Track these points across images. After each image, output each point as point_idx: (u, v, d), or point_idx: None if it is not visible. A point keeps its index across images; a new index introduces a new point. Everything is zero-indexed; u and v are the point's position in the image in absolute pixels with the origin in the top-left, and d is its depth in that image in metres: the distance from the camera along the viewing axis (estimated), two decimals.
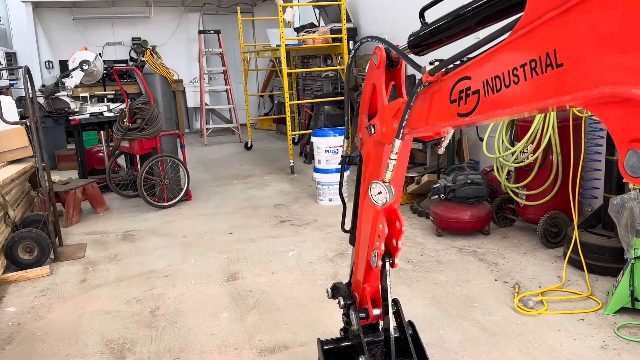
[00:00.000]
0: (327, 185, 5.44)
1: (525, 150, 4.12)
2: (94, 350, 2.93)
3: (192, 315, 3.31)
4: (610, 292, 3.22)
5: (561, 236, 4.08)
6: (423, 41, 1.51)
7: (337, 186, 5.43)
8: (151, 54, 5.81)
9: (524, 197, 4.27)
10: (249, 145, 9.17)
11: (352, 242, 2.26)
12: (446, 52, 1.50)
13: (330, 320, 3.13)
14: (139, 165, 6.31)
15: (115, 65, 9.82)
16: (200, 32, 10.61)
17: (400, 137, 1.53)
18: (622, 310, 3.04)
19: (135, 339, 3.04)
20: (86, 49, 6.48)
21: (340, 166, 5.47)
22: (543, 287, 3.44)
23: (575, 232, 3.63)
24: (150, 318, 3.30)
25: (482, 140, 4.86)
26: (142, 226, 5.23)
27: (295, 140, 8.49)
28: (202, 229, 5.03)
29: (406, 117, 1.49)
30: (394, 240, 1.93)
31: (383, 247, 1.92)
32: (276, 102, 10.88)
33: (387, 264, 1.97)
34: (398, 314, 2.10)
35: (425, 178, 5.18)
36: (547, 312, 3.12)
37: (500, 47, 1.09)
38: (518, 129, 4.24)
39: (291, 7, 8.30)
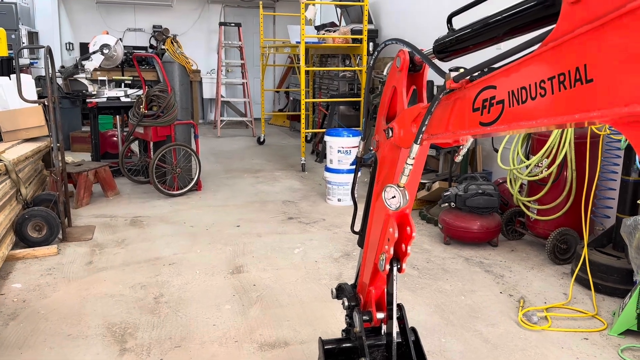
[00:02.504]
0: (338, 185, 5.44)
1: (539, 164, 4.09)
2: (96, 333, 2.95)
3: (194, 305, 3.32)
4: (616, 313, 3.19)
5: (570, 253, 4.05)
6: (449, 47, 1.50)
7: (348, 187, 5.46)
8: (172, 43, 5.83)
9: (535, 212, 4.23)
10: (262, 140, 9.18)
11: (361, 243, 2.25)
12: (467, 60, 1.49)
13: (332, 321, 3.12)
14: (151, 152, 6.34)
15: (135, 51, 9.88)
16: (221, 24, 10.64)
17: (418, 143, 1.52)
18: (627, 332, 3.01)
19: (137, 324, 3.05)
20: (107, 33, 6.52)
21: (352, 167, 5.48)
22: (548, 302, 3.41)
23: (585, 250, 3.59)
24: (153, 304, 3.31)
25: (497, 151, 4.84)
26: (151, 213, 5.26)
27: (308, 138, 8.49)
28: (210, 220, 5.05)
29: (426, 123, 1.48)
30: (403, 245, 1.92)
31: (392, 251, 1.92)
32: (292, 98, 10.88)
33: (395, 269, 1.97)
34: (402, 319, 2.10)
35: (436, 185, 5.15)
36: (551, 328, 3.09)
37: (529, 59, 1.08)
38: (534, 143, 4.21)
39: (313, 4, 8.30)
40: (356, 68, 7.41)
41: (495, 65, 1.23)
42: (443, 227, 4.48)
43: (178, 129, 5.95)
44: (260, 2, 9.03)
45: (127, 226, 4.84)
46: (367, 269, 2.18)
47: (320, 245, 4.38)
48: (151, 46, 11.30)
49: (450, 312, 3.28)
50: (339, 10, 9.05)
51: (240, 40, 10.44)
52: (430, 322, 3.14)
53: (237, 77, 11.28)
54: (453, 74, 1.34)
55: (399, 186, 1.64)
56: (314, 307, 3.31)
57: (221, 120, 10.40)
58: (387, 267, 1.94)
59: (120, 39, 7.17)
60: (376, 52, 1.86)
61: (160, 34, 5.98)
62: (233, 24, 10.45)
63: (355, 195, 2.28)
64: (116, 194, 5.85)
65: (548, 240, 4.02)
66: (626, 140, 3.40)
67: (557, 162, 3.93)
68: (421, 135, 1.50)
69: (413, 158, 1.56)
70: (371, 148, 2.06)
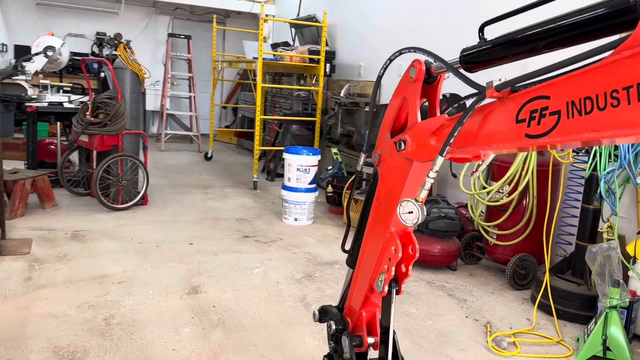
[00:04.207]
0: (295, 204, 5.30)
1: (501, 190, 4.14)
2: (41, 357, 2.64)
3: (150, 327, 3.05)
4: (580, 340, 3.22)
5: (528, 279, 4.10)
6: (481, 57, 1.43)
7: (306, 206, 5.32)
8: (125, 49, 5.54)
9: (495, 237, 4.28)
10: (209, 155, 8.90)
11: (351, 263, 2.13)
12: (488, 73, 1.44)
13: (301, 345, 2.96)
14: (95, 163, 5.96)
15: (76, 57, 9.37)
16: (170, 35, 10.35)
17: (444, 155, 1.43)
18: (593, 358, 3.03)
19: (87, 348, 2.76)
20: (53, 35, 6.13)
21: (311, 186, 5.36)
22: (514, 328, 3.41)
23: (547, 276, 3.64)
24: (104, 326, 3.02)
25: (455, 176, 4.88)
26: (94, 227, 4.89)
27: (259, 156, 8.30)
28: (160, 237, 4.76)
29: (455, 134, 1.40)
30: (403, 266, 1.83)
31: (393, 272, 1.82)
32: (240, 115, 10.68)
33: (394, 290, 1.87)
34: (394, 345, 1.99)
35: None
36: (521, 354, 3.08)
37: (597, 67, 1.02)
38: (495, 169, 4.27)
39: (266, 22, 8.22)
40: (313, 88, 7.36)
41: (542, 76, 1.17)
42: None
43: (126, 139, 5.63)
44: (215, 16, 8.85)
45: (68, 240, 4.46)
46: (359, 291, 2.06)
47: (280, 266, 4.21)
48: (92, 53, 10.80)
49: (419, 337, 3.20)
50: (293, 30, 9.03)
51: (189, 52, 10.17)
52: (402, 347, 3.03)
53: (184, 91, 10.95)
54: (495, 83, 1.27)
55: (417, 200, 1.54)
56: (280, 331, 3.14)
57: (165, 134, 10.02)
58: (386, 288, 1.84)
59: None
60: (388, 61, 1.77)
61: (112, 39, 5.66)
62: (183, 36, 10.18)
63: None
64: (54, 205, 5.42)
65: (508, 266, 4.06)
66: (589, 169, 3.51)
67: (520, 188, 3.99)
68: (448, 148, 1.42)
69: (436, 171, 1.47)
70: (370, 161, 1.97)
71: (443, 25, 5.68)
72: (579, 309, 3.54)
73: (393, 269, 1.82)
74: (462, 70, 1.51)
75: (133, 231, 4.86)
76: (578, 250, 3.72)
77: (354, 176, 5.73)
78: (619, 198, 3.51)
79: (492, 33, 1.46)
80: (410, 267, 1.83)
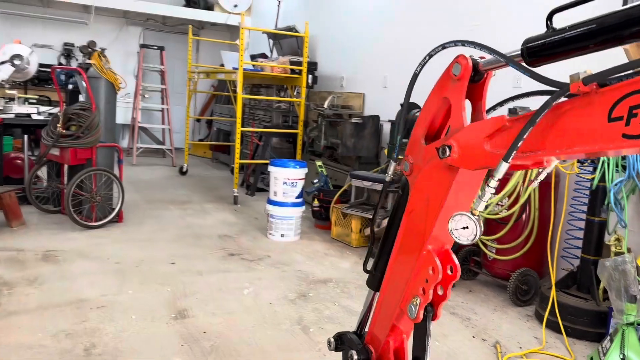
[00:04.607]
0: (281, 220, 5.06)
1: (500, 203, 4.01)
2: None
3: (136, 357, 2.76)
4: (595, 359, 3.07)
5: (530, 294, 3.96)
6: (550, 49, 1.25)
7: (293, 221, 5.08)
8: (99, 57, 5.24)
9: (494, 251, 4.13)
10: (185, 170, 8.58)
11: (374, 285, 1.92)
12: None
13: None
14: (66, 178, 5.60)
15: (43, 68, 8.94)
16: (142, 46, 10.02)
17: (509, 161, 1.24)
18: None
19: None
20: (20, 42, 5.78)
21: (298, 200, 5.13)
22: (523, 348, 3.24)
23: (553, 292, 3.50)
24: (84, 357, 2.71)
25: None
26: (66, 246, 4.54)
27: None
28: (138, 256, 4.44)
29: (524, 137, 1.21)
30: (440, 287, 1.63)
31: (431, 295, 1.62)
32: (215, 128, 10.38)
33: (429, 316, 1.67)
34: None
35: (384, 222, 4.94)
36: None
37: None
38: None
39: (246, 31, 8.00)
40: (294, 99, 7.16)
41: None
42: None
43: (100, 152, 5.30)
44: (190, 26, 8.60)
45: (39, 261, 4.11)
46: (384, 316, 1.85)
47: (272, 285, 3.96)
48: (60, 65, 10.37)
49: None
50: (271, 41, 8.85)
51: (162, 64, 9.87)
52: None
53: (156, 103, 10.61)
54: (582, 75, 1.09)
55: (473, 214, 1.35)
56: (278, 358, 2.88)
57: (138, 147, 9.65)
58: (422, 313, 1.65)
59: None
60: (427, 57, 1.58)
61: (85, 47, 5.36)
62: (156, 47, 9.87)
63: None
64: (22, 224, 5.04)
65: (510, 281, 3.91)
66: (597, 179, 3.39)
67: (521, 202, 3.86)
68: (514, 152, 1.23)
69: (498, 180, 1.28)
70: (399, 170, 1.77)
71: (428, 36, 5.58)
72: (588, 325, 3.40)
73: (430, 291, 1.62)
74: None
75: (109, 250, 4.54)
76: (583, 264, 3.60)
77: (342, 189, 5.53)
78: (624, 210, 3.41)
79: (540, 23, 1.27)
80: (449, 290, 1.63)
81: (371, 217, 5.02)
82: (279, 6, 8.76)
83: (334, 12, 7.74)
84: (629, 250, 3.38)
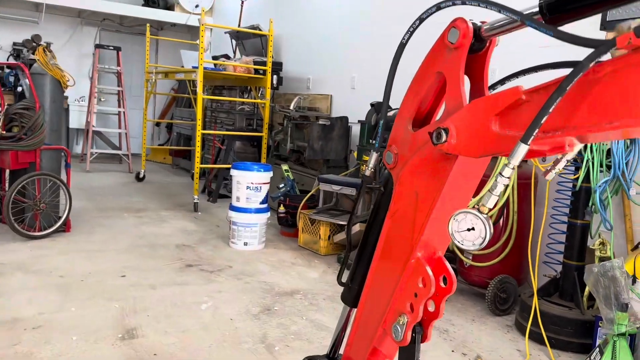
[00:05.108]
0: (245, 227, 4.72)
1: (477, 207, 3.77)
2: None
3: None
4: None
5: (509, 303, 3.74)
6: (578, 0, 0.99)
7: (257, 228, 4.75)
8: (44, 52, 4.81)
9: (470, 257, 3.89)
10: (142, 176, 8.13)
11: (350, 300, 1.63)
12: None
13: None
14: (7, 183, 5.12)
15: None
16: (97, 46, 9.53)
17: (529, 143, 0.97)
18: None
19: None
20: None
21: (262, 206, 4.80)
22: None
23: (535, 300, 3.28)
24: None
25: None
26: (5, 259, 4.10)
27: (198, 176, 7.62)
28: (86, 268, 4.03)
29: (550, 109, 0.94)
30: (431, 303, 1.35)
31: (421, 312, 1.34)
32: (175, 133, 9.94)
33: (418, 337, 1.39)
34: None
35: (356, 227, 4.66)
36: None
37: None
38: None
39: (207, 29, 7.64)
40: (259, 101, 6.83)
41: None
42: None
43: (45, 155, 4.86)
44: (148, 25, 8.18)
45: None
46: (363, 337, 1.56)
47: (233, 299, 3.61)
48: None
49: None
50: (234, 42, 8.51)
51: (119, 65, 9.39)
52: None
53: (112, 106, 10.10)
54: (633, 24, 0.83)
55: (480, 212, 1.07)
56: None
57: (92, 153, 9.12)
58: (409, 335, 1.36)
59: None
60: (418, 21, 1.30)
61: (29, 41, 4.92)
62: (112, 47, 9.39)
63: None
64: None
65: (488, 290, 3.68)
66: (580, 180, 3.19)
67: (499, 204, 3.64)
68: (537, 131, 0.96)
69: (513, 168, 1.00)
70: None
71: (398, 35, 5.36)
72: (572, 335, 3.19)
73: (421, 308, 1.34)
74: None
75: (53, 263, 4.11)
76: (566, 269, 3.40)
77: (309, 194, 5.24)
78: (606, 212, 3.22)
79: None
80: (442, 305, 1.35)
81: (342, 222, 4.73)
82: (242, 5, 8.43)
83: (300, 12, 7.47)
84: (614, 255, 3.19)
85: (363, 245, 1.60)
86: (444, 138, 1.18)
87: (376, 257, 1.49)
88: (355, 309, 1.61)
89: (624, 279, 2.74)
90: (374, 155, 1.46)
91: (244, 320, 3.28)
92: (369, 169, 1.48)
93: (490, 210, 1.07)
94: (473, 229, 1.07)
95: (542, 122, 0.95)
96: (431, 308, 1.35)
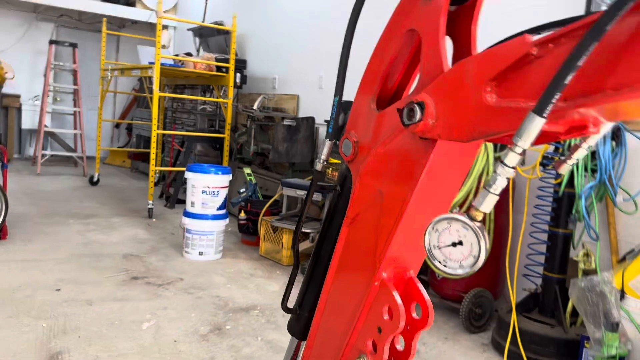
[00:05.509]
0: (200, 235, 4.32)
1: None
2: None
3: None
4: None
5: (485, 318, 3.45)
6: None
7: (213, 236, 4.36)
8: None
9: None
10: (96, 179, 7.63)
11: (299, 331, 1.28)
12: None
13: None
14: None
15: None
16: (52, 42, 8.97)
17: (545, 115, 0.64)
18: None
19: None
20: None
21: (220, 212, 4.42)
22: None
23: (514, 317, 2.98)
24: None
25: None
26: None
27: (156, 180, 7.18)
28: (16, 281, 3.58)
29: (580, 63, 0.61)
30: (400, 340, 1.03)
31: (386, 353, 1.01)
32: (135, 135, 9.45)
33: None
34: None
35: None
36: None
37: None
38: None
39: (166, 29, 7.26)
40: (221, 100, 6.44)
41: None
42: None
43: None
44: (104, 19, 7.72)
45: None
46: None
47: (179, 316, 3.22)
48: None
49: None
50: (197, 39, 8.12)
51: (75, 62, 8.87)
52: None
53: (68, 106, 9.56)
54: None
55: (471, 218, 0.74)
56: None
57: (43, 155, 8.56)
58: None
59: None
60: None
61: None
62: (67, 44, 8.86)
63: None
64: None
65: (463, 305, 3.37)
66: (564, 185, 2.93)
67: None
68: (557, 95, 0.63)
69: (521, 153, 0.67)
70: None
71: (367, 33, 5.07)
72: (554, 356, 2.91)
73: (386, 348, 1.01)
74: None
75: None
76: (547, 283, 3.12)
77: (272, 199, 4.87)
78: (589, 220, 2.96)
79: None
80: (415, 343, 1.02)
81: (307, 230, 4.38)
82: (206, 2, 8.05)
83: (266, 9, 7.13)
84: (599, 267, 2.92)
85: (314, 261, 1.25)
86: (418, 116, 0.85)
87: (330, 277, 1.15)
88: (305, 342, 1.26)
89: (614, 296, 2.46)
90: (327, 144, 1.12)
91: (190, 342, 2.88)
92: (320, 161, 1.13)
93: (483, 215, 0.73)
94: (460, 243, 0.74)
95: (567, 80, 0.62)
96: (400, 346, 1.02)
